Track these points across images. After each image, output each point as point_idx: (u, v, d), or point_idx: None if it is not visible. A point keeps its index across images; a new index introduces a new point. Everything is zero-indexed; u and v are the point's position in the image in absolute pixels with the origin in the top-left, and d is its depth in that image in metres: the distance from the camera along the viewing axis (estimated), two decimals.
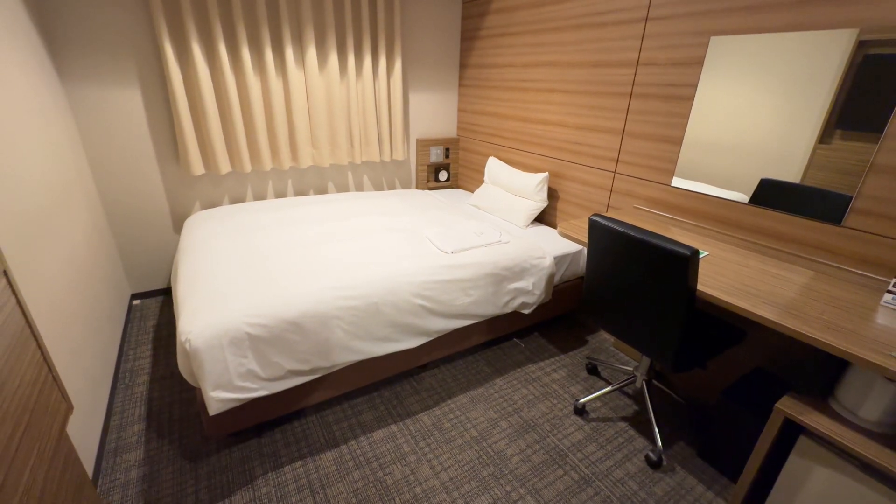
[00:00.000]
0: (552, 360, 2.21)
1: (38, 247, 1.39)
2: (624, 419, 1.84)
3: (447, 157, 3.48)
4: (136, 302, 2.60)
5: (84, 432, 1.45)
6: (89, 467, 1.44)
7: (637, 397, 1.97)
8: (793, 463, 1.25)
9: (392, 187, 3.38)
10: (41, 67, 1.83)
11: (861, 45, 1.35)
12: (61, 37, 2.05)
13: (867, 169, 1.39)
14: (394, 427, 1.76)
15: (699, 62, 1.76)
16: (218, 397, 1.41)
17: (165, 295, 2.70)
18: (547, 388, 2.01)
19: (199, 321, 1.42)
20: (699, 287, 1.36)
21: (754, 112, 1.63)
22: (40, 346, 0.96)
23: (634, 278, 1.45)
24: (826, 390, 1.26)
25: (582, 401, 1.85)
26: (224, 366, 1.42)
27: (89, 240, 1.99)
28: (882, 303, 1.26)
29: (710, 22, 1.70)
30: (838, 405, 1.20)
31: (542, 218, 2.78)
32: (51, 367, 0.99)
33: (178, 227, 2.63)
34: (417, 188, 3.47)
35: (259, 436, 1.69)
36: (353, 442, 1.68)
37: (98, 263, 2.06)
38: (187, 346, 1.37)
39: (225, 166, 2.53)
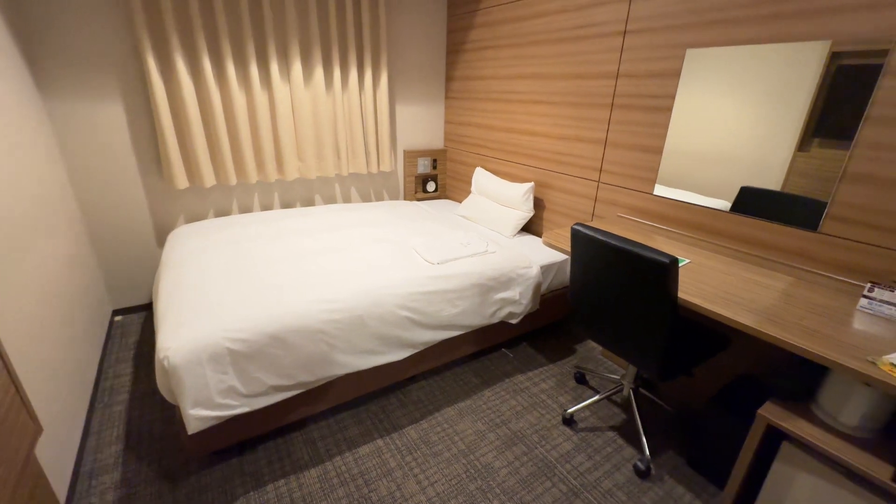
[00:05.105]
0: (540, 369, 2.20)
1: (8, 263, 1.36)
2: (612, 428, 1.83)
3: (434, 168, 3.49)
4: (117, 318, 2.55)
5: (57, 454, 1.41)
6: (62, 491, 1.39)
7: (625, 406, 1.96)
8: (777, 470, 1.24)
9: (380, 198, 3.38)
10: (19, 81, 1.81)
11: (834, 56, 1.39)
12: (41, 51, 2.04)
13: (840, 176, 1.42)
14: (380, 442, 1.73)
15: (676, 74, 1.80)
16: (197, 415, 1.38)
17: (148, 310, 2.65)
18: (535, 398, 2.00)
19: (178, 337, 1.40)
20: (681, 295, 1.37)
21: (734, 121, 1.66)
22: (7, 367, 0.93)
23: (617, 287, 1.46)
24: (808, 396, 1.27)
25: (570, 411, 1.84)
26: (204, 382, 1.39)
27: (68, 255, 1.95)
28: (858, 307, 1.28)
29: (686, 35, 1.74)
30: (820, 410, 1.21)
31: (529, 227, 2.79)
32: (18, 388, 0.96)
33: (161, 241, 2.59)
34: (405, 199, 3.48)
35: (241, 454, 1.65)
36: (337, 458, 1.64)
37: (77, 279, 2.01)
38: (165, 362, 1.34)
39: (210, 179, 2.51)
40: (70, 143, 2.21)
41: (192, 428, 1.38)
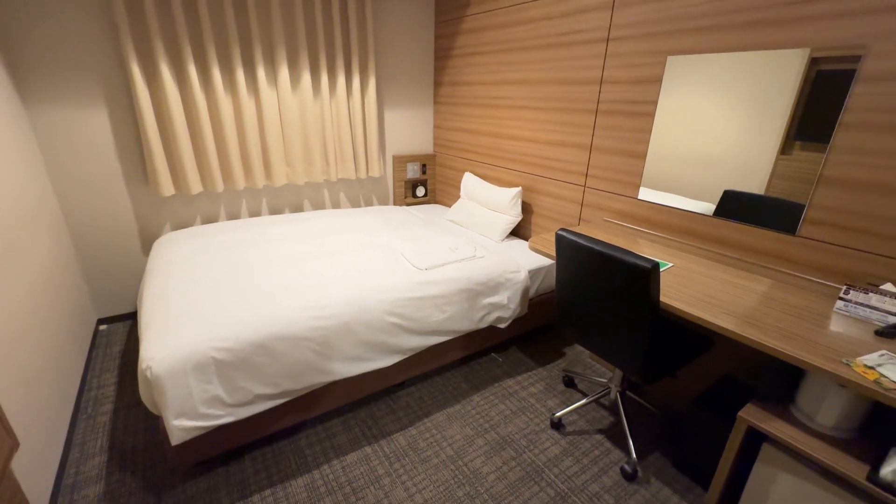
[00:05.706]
0: (529, 373, 2.21)
1: None
2: (600, 431, 1.84)
3: (424, 172, 3.50)
4: (102, 327, 2.52)
5: (37, 468, 1.38)
6: None
7: (612, 409, 1.98)
8: (758, 471, 1.26)
9: (369, 204, 3.38)
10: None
11: (813, 61, 1.42)
12: (23, 58, 2.02)
13: (816, 180, 1.45)
14: (368, 449, 1.72)
15: (658, 80, 1.83)
16: (181, 426, 1.37)
17: (134, 319, 2.62)
18: (524, 402, 2.00)
19: (161, 346, 1.38)
20: (663, 298, 1.38)
21: (717, 125, 1.69)
22: None
23: (601, 291, 1.47)
24: (788, 397, 1.29)
25: (558, 414, 1.85)
26: (187, 392, 1.37)
27: (51, 264, 1.92)
28: (835, 309, 1.30)
29: (666, 42, 1.77)
30: (798, 411, 1.23)
31: (518, 231, 2.81)
32: None
33: (147, 248, 2.57)
34: (395, 204, 3.48)
35: (227, 463, 1.63)
36: (325, 466, 1.64)
37: (60, 287, 1.99)
38: (148, 373, 1.33)
39: (196, 186, 2.50)
40: (53, 150, 2.18)
41: (176, 439, 1.37)
